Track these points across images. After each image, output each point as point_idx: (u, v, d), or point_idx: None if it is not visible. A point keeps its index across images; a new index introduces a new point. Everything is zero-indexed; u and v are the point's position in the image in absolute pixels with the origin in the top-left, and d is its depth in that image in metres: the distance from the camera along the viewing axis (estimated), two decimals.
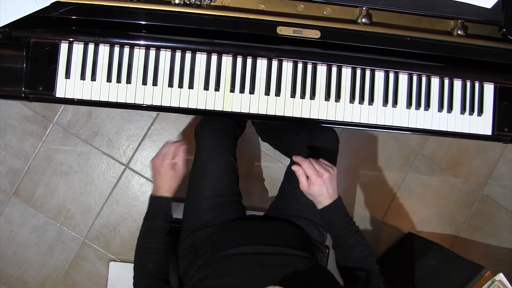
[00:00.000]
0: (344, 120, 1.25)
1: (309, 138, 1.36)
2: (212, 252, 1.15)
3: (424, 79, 1.27)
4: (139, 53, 1.20)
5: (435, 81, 1.27)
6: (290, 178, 1.36)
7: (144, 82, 1.20)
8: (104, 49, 1.19)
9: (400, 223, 2.04)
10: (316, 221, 1.29)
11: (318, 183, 1.13)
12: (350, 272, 1.15)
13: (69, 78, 1.18)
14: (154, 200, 1.20)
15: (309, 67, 1.23)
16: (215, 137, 1.32)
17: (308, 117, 1.23)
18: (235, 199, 1.33)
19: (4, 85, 1.16)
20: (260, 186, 1.98)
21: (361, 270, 1.14)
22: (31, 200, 1.92)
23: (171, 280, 1.15)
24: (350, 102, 1.25)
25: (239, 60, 1.22)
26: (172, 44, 1.18)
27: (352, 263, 1.15)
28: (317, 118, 1.24)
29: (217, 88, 1.21)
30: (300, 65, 1.23)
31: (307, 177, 1.14)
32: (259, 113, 1.23)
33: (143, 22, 1.14)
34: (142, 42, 1.18)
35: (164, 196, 1.20)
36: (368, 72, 1.25)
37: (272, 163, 1.97)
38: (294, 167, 1.16)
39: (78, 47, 1.19)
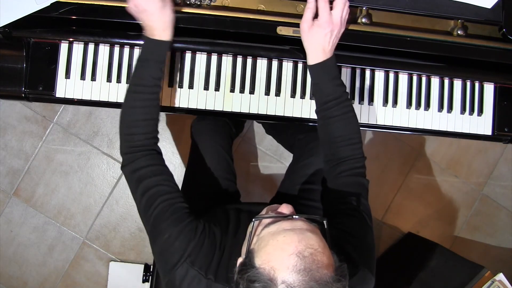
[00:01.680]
0: None
1: (313, 137, 1.36)
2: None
3: (424, 79, 1.27)
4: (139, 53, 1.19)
5: (435, 81, 1.27)
6: (291, 175, 1.36)
7: None
8: (104, 49, 1.19)
9: (400, 223, 2.04)
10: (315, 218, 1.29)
11: (324, 29, 1.02)
12: (331, 146, 1.07)
13: (69, 78, 1.18)
14: (149, 43, 1.03)
15: None
16: (211, 135, 1.32)
17: (308, 117, 1.23)
18: (231, 197, 1.33)
19: (4, 85, 1.16)
20: (260, 186, 1.98)
21: (342, 147, 1.05)
22: (31, 200, 1.92)
23: None
24: None
25: (239, 60, 1.22)
26: (172, 44, 1.18)
27: (331, 137, 1.06)
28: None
29: (217, 88, 1.21)
30: (300, 65, 1.23)
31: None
32: (259, 113, 1.23)
33: None
34: (142, 42, 1.17)
35: (161, 40, 1.03)
36: (368, 72, 1.25)
37: (272, 163, 1.97)
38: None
39: (78, 47, 1.18)
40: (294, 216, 0.82)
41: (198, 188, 1.28)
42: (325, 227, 0.83)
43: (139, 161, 1.00)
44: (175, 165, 1.96)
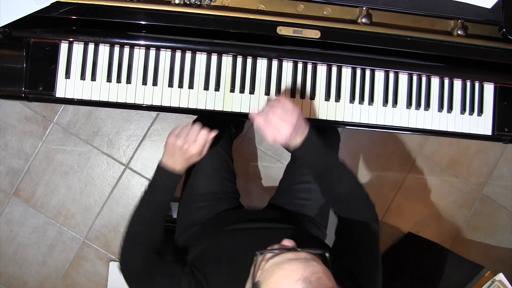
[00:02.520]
0: (344, 120, 1.25)
1: None
2: (208, 232, 1.14)
3: (424, 79, 1.27)
4: (139, 53, 1.20)
5: (435, 81, 1.27)
6: (289, 175, 1.37)
7: (144, 82, 1.20)
8: (104, 49, 1.19)
9: (400, 223, 2.04)
10: (314, 219, 1.29)
11: (266, 128, 0.99)
12: (340, 206, 1.07)
13: (69, 78, 1.18)
14: (163, 172, 1.10)
15: (309, 67, 1.23)
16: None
17: (308, 117, 1.23)
18: (231, 196, 1.33)
19: (4, 85, 1.16)
20: (259, 186, 1.98)
21: (350, 205, 1.05)
22: (31, 200, 1.92)
23: None
24: (350, 102, 1.25)
25: (239, 60, 1.22)
26: (172, 44, 1.18)
27: (340, 200, 1.06)
28: (317, 118, 1.24)
29: (217, 88, 1.21)
30: (300, 65, 1.23)
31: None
32: None
33: (143, 22, 1.14)
34: (142, 42, 1.18)
35: (175, 172, 1.09)
36: (368, 72, 1.25)
37: (272, 163, 1.97)
38: (254, 121, 1.03)
39: (78, 47, 1.18)
40: (297, 249, 0.83)
41: (198, 189, 1.28)
42: (327, 259, 0.84)
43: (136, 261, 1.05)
44: None
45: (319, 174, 1.06)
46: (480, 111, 1.28)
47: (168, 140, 1.09)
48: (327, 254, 0.84)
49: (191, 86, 1.21)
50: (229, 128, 1.42)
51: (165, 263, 1.03)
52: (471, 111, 1.28)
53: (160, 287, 0.98)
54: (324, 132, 1.36)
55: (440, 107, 1.27)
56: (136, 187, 1.95)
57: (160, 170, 1.10)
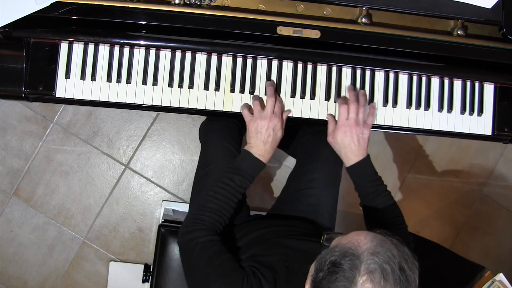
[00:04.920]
0: None
1: (316, 141, 1.35)
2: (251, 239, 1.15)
3: (424, 79, 1.27)
4: (139, 53, 1.20)
5: (435, 81, 1.27)
6: (297, 180, 1.36)
7: (144, 82, 1.20)
8: (104, 49, 1.19)
9: None
10: (324, 223, 1.29)
11: (344, 132, 1.13)
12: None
13: (69, 78, 1.18)
14: (250, 159, 1.13)
15: (309, 67, 1.23)
16: (222, 137, 1.31)
17: (308, 117, 1.23)
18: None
19: (4, 85, 1.16)
20: (260, 186, 1.98)
21: (388, 227, 1.11)
22: (31, 200, 1.92)
23: None
24: None
25: (239, 60, 1.22)
26: (172, 44, 1.18)
27: (378, 223, 1.13)
28: (317, 118, 1.24)
29: (217, 88, 1.21)
30: (300, 65, 1.23)
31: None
32: None
33: (143, 22, 1.14)
34: (142, 42, 1.18)
35: (262, 161, 1.13)
36: (368, 72, 1.25)
37: (272, 163, 1.97)
38: (340, 99, 1.17)
39: (78, 47, 1.18)
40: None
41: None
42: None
43: (200, 232, 1.05)
44: (175, 165, 1.96)
45: (364, 195, 1.17)
46: (480, 111, 1.28)
47: (253, 127, 1.14)
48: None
49: (191, 86, 1.21)
50: (240, 129, 1.40)
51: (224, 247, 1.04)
52: (471, 111, 1.28)
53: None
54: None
55: (440, 107, 1.27)
56: (136, 187, 1.95)
57: (248, 156, 1.13)
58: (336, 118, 1.21)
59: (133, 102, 1.20)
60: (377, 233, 0.82)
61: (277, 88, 1.22)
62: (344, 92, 1.24)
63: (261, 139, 1.13)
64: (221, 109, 1.22)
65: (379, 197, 1.15)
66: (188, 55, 1.21)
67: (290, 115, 1.22)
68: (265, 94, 1.22)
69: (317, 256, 0.85)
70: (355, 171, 1.16)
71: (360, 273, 0.76)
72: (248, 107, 1.19)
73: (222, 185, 1.10)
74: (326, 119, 1.23)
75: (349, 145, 1.15)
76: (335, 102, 1.24)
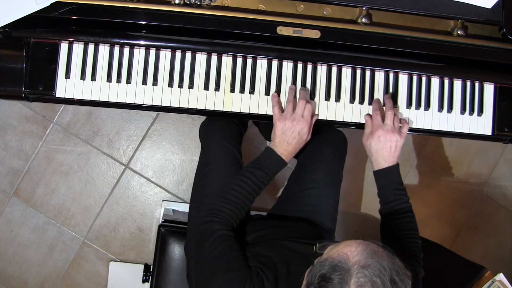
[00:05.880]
0: (344, 120, 1.25)
1: (317, 142, 1.35)
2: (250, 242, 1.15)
3: (424, 79, 1.27)
4: (139, 53, 1.20)
5: (435, 81, 1.27)
6: (297, 180, 1.36)
7: (144, 82, 1.20)
8: (104, 49, 1.19)
9: None
10: (325, 224, 1.29)
11: (378, 137, 1.14)
12: (394, 238, 1.15)
13: (69, 78, 1.18)
14: (273, 156, 1.14)
15: (309, 67, 1.23)
16: (222, 137, 1.31)
17: None
18: None
19: (4, 85, 1.16)
20: None
21: (400, 241, 1.12)
22: (31, 200, 1.92)
23: None
24: (350, 102, 1.25)
25: (239, 60, 1.22)
26: (172, 44, 1.18)
27: (394, 232, 1.14)
28: (317, 118, 1.24)
29: (217, 88, 1.21)
30: (300, 65, 1.23)
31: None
32: (259, 113, 1.23)
33: (143, 22, 1.14)
34: (142, 42, 1.18)
35: (284, 160, 1.15)
36: (368, 72, 1.25)
37: None
38: (376, 104, 1.19)
39: (78, 47, 1.18)
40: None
41: (211, 187, 1.27)
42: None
43: (218, 225, 1.06)
44: (175, 165, 1.96)
45: (385, 201, 1.17)
46: (480, 111, 1.28)
47: (279, 127, 1.14)
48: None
49: (191, 86, 1.21)
50: (240, 129, 1.40)
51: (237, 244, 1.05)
52: (471, 111, 1.28)
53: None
54: (330, 136, 1.36)
55: (440, 107, 1.27)
56: (136, 187, 1.95)
57: (271, 153, 1.14)
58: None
59: (133, 102, 1.20)
60: (369, 242, 0.82)
61: (276, 89, 1.22)
62: (344, 92, 1.24)
63: (286, 139, 1.14)
64: (221, 109, 1.22)
65: (399, 207, 1.15)
66: (188, 55, 1.21)
67: None
68: (265, 94, 1.22)
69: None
70: (381, 176, 1.17)
71: None
72: (279, 105, 1.20)
73: (244, 178, 1.11)
74: (327, 119, 1.23)
75: (381, 150, 1.15)
76: (335, 102, 1.24)
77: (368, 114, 1.22)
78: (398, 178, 1.17)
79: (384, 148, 1.15)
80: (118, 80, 1.19)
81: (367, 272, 0.76)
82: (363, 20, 1.16)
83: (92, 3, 1.11)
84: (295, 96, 1.20)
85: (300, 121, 1.14)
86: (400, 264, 0.80)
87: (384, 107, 1.22)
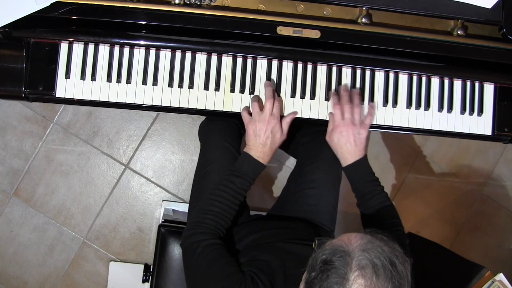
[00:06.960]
0: None
1: (317, 141, 1.35)
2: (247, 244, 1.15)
3: (424, 79, 1.27)
4: (139, 53, 1.20)
5: (435, 81, 1.27)
6: (297, 180, 1.36)
7: (144, 82, 1.20)
8: (104, 49, 1.19)
9: None
10: (324, 224, 1.29)
11: (340, 132, 1.14)
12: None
13: (69, 78, 1.18)
14: (250, 161, 1.14)
15: (309, 67, 1.23)
16: (222, 137, 1.31)
17: (308, 117, 1.23)
18: None
19: (4, 85, 1.16)
20: (260, 186, 1.98)
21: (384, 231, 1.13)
22: (31, 200, 1.92)
23: None
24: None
25: (239, 60, 1.22)
26: (172, 44, 1.18)
27: (375, 224, 1.13)
28: (317, 118, 1.24)
29: (217, 88, 1.21)
30: (300, 65, 1.23)
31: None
32: None
33: (143, 22, 1.14)
34: (142, 42, 1.18)
35: (261, 163, 1.14)
36: (368, 72, 1.25)
37: (272, 163, 1.97)
38: (334, 99, 1.18)
39: (78, 47, 1.18)
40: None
41: (209, 186, 1.27)
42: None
43: (202, 235, 1.05)
44: (175, 165, 1.96)
45: (361, 195, 1.17)
46: (480, 111, 1.28)
47: (251, 130, 1.15)
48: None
49: (191, 86, 1.21)
50: (239, 129, 1.40)
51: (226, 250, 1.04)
52: (471, 111, 1.28)
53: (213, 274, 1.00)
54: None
55: (440, 107, 1.27)
56: (136, 187, 1.95)
57: (247, 158, 1.14)
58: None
59: (133, 102, 1.20)
60: (367, 232, 0.83)
61: (277, 88, 1.22)
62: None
63: (260, 141, 1.14)
64: (221, 109, 1.22)
65: (375, 198, 1.15)
66: (188, 55, 1.21)
67: None
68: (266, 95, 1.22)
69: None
70: (351, 171, 1.17)
71: (351, 269, 0.76)
72: (247, 109, 1.20)
73: (223, 187, 1.11)
74: (327, 119, 1.23)
75: (345, 145, 1.15)
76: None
77: (331, 113, 1.21)
78: (368, 169, 1.17)
79: (348, 143, 1.15)
80: (118, 80, 1.19)
81: (368, 255, 0.77)
82: (363, 20, 1.16)
83: (92, 3, 1.11)
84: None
85: (271, 120, 1.14)
86: (399, 249, 0.81)
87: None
